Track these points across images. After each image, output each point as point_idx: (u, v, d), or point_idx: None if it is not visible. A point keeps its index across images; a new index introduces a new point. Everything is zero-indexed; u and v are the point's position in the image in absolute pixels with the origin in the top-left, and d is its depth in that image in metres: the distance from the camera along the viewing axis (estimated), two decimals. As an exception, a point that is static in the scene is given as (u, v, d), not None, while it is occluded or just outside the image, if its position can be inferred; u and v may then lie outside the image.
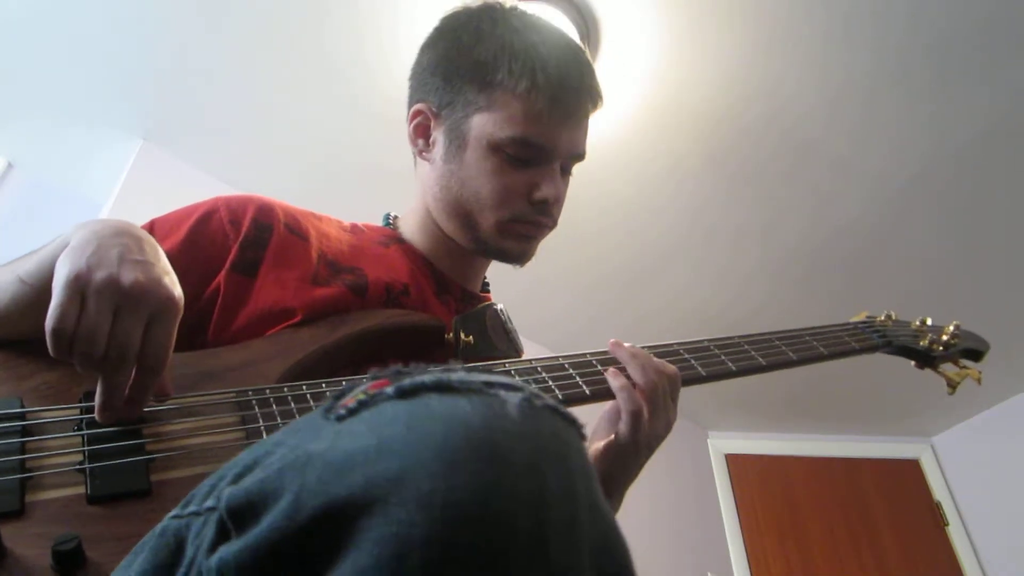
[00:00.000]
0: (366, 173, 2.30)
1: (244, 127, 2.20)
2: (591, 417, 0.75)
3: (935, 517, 3.19)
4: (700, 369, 0.83)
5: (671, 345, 0.85)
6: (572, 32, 1.82)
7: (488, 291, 0.99)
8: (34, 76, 2.06)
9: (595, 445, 0.76)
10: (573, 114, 0.82)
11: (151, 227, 0.77)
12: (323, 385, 0.64)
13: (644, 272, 2.63)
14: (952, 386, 1.04)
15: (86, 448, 0.51)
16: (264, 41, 1.94)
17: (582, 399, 0.73)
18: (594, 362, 0.77)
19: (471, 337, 0.82)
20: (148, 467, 0.52)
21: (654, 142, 2.14)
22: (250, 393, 0.61)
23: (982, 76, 1.88)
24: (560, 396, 0.71)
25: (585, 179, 2.24)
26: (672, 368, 0.77)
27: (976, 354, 1.09)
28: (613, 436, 0.74)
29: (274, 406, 0.60)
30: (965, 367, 1.07)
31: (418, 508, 0.27)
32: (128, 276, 0.52)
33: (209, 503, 0.34)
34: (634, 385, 0.74)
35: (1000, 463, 3.08)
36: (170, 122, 2.22)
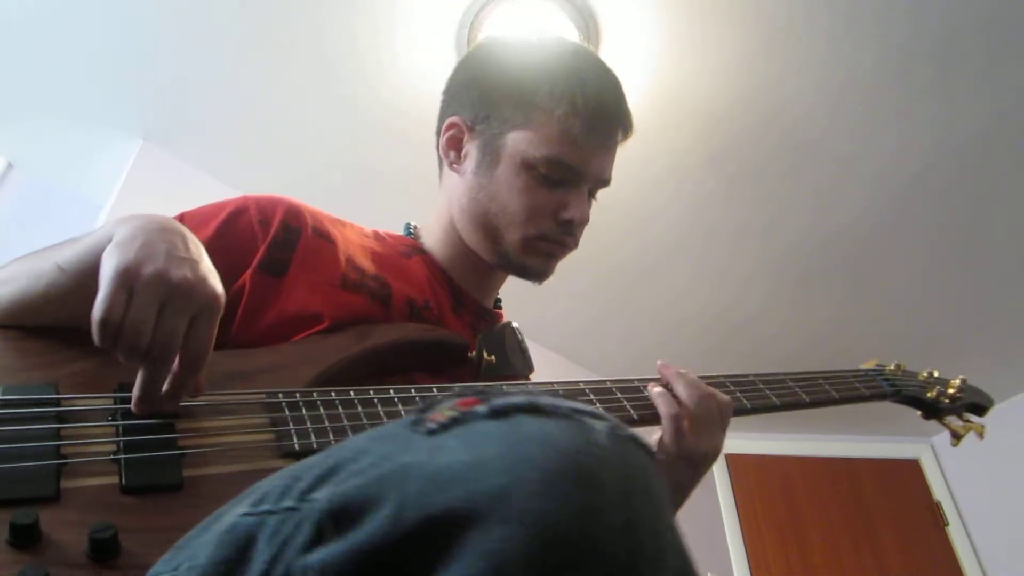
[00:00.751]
0: (366, 174, 2.30)
1: (244, 127, 2.20)
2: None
3: (935, 517, 3.19)
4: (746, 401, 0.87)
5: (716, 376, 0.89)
6: (572, 32, 1.82)
7: (500, 308, 1.00)
8: (34, 76, 2.06)
9: None
10: (606, 140, 0.85)
11: (180, 220, 0.77)
12: (351, 393, 0.65)
13: (644, 272, 2.63)
14: (957, 438, 1.08)
15: (121, 439, 0.52)
16: (264, 42, 1.94)
17: (630, 423, 0.74)
18: (641, 387, 0.79)
19: (493, 356, 0.83)
20: (181, 462, 0.52)
21: (654, 141, 2.14)
22: (280, 396, 0.62)
23: (984, 75, 1.88)
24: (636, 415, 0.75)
25: (585, 179, 2.24)
26: (726, 397, 0.79)
27: (980, 409, 1.12)
28: (656, 448, 0.75)
29: (303, 410, 0.61)
30: (969, 421, 1.10)
31: (518, 526, 0.28)
32: (177, 273, 0.53)
33: (287, 503, 0.34)
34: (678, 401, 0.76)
35: (1000, 463, 3.08)
36: (170, 122, 2.22)
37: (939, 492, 3.26)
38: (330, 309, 0.74)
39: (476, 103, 0.86)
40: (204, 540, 0.36)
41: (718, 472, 3.29)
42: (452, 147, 0.88)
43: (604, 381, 0.79)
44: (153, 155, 2.27)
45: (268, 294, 0.74)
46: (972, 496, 3.18)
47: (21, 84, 2.09)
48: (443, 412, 0.35)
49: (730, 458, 3.36)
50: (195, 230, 0.75)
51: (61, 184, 2.44)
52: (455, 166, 0.88)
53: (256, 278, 0.74)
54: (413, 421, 0.36)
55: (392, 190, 2.28)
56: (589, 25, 1.83)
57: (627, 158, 2.18)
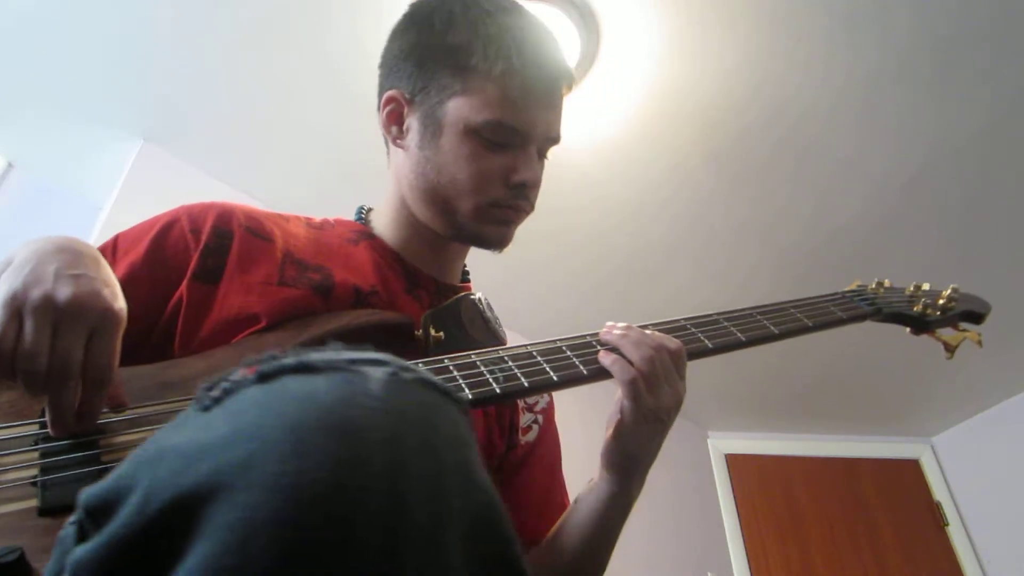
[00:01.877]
0: (367, 173, 2.29)
1: (244, 127, 2.20)
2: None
3: (935, 517, 3.19)
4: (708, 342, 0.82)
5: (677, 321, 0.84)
6: (572, 32, 1.82)
7: (468, 280, 0.97)
8: (34, 76, 2.06)
9: (608, 431, 0.76)
10: (548, 97, 0.83)
11: (115, 241, 0.76)
12: None
13: (645, 273, 2.63)
14: (950, 350, 0.99)
15: (40, 462, 0.51)
16: (265, 41, 1.93)
17: (580, 379, 0.72)
18: (593, 343, 0.77)
19: (441, 332, 0.81)
20: (102, 477, 0.51)
21: (655, 142, 2.13)
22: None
23: (984, 75, 1.88)
24: (555, 378, 0.71)
25: (586, 181, 2.24)
26: (675, 342, 0.76)
27: (976, 316, 1.04)
28: (619, 414, 0.73)
29: None
30: (964, 330, 1.02)
31: (264, 491, 0.27)
32: (63, 292, 0.52)
33: None
34: (630, 363, 0.73)
35: (1000, 463, 3.08)
36: (170, 122, 2.22)
37: (939, 492, 3.25)
38: (268, 308, 0.72)
39: (413, 74, 0.83)
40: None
41: (718, 472, 3.29)
42: (393, 122, 0.86)
43: (554, 340, 0.76)
44: (153, 155, 2.27)
45: (205, 302, 0.73)
46: (972, 496, 3.17)
47: (21, 84, 2.09)
48: (220, 387, 0.34)
49: (730, 458, 3.35)
50: (129, 249, 0.74)
51: (61, 184, 2.45)
52: (399, 141, 0.86)
53: (192, 287, 0.73)
54: (197, 399, 0.35)
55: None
56: (589, 25, 1.83)
57: (628, 160, 2.19)
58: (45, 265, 0.53)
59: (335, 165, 2.29)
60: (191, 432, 0.32)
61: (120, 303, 0.55)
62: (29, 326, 0.50)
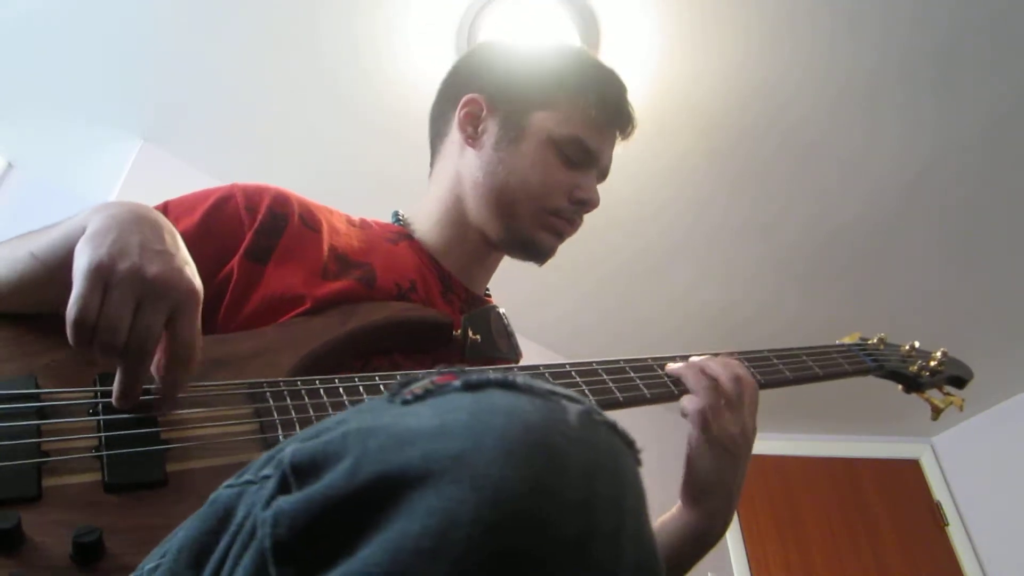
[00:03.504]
0: (366, 175, 2.30)
1: (244, 128, 2.20)
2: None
3: (935, 517, 3.19)
4: None
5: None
6: (572, 32, 1.81)
7: (489, 296, 1.00)
8: (34, 76, 2.06)
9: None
10: (617, 133, 0.92)
11: (165, 208, 0.77)
12: (336, 381, 0.65)
13: (646, 272, 2.63)
14: (936, 412, 1.08)
15: (102, 434, 0.51)
16: (264, 42, 1.93)
17: (642, 400, 0.76)
18: (655, 366, 0.81)
19: (478, 336, 0.84)
20: (164, 457, 0.51)
21: (655, 141, 2.13)
22: (264, 385, 0.61)
23: (986, 75, 1.88)
24: (621, 398, 0.75)
25: (585, 179, 2.24)
26: (741, 369, 0.80)
27: (960, 381, 1.14)
28: (687, 445, 0.76)
29: (288, 399, 0.61)
30: (949, 394, 1.11)
31: (471, 488, 0.28)
32: (151, 268, 0.52)
33: (266, 472, 0.35)
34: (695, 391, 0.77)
35: (1000, 463, 3.08)
36: (170, 122, 2.22)
37: (939, 492, 3.25)
38: (311, 294, 0.74)
39: (500, 82, 0.89)
40: (187, 522, 0.36)
41: (718, 472, 3.29)
42: (469, 122, 0.90)
43: (618, 361, 0.80)
44: (153, 155, 2.27)
45: (253, 279, 0.74)
46: (972, 496, 3.17)
47: (21, 84, 2.09)
48: (420, 386, 0.36)
49: (730, 458, 3.35)
50: (181, 217, 0.74)
51: (61, 184, 2.44)
52: (471, 141, 0.90)
53: (243, 265, 0.74)
54: (392, 394, 0.37)
55: (390, 191, 2.28)
56: (589, 25, 1.83)
57: (629, 158, 2.18)
58: (129, 236, 0.53)
59: (334, 167, 2.29)
60: (396, 417, 0.33)
61: (199, 282, 0.55)
62: (115, 298, 0.50)
